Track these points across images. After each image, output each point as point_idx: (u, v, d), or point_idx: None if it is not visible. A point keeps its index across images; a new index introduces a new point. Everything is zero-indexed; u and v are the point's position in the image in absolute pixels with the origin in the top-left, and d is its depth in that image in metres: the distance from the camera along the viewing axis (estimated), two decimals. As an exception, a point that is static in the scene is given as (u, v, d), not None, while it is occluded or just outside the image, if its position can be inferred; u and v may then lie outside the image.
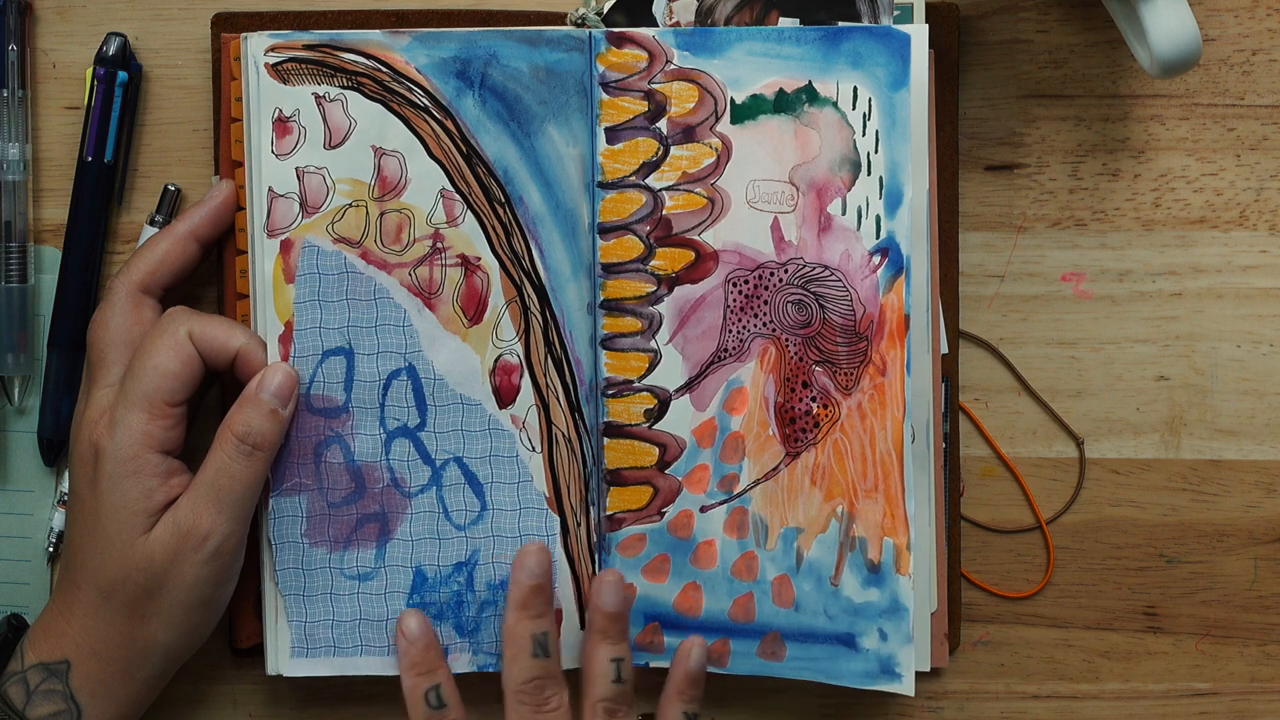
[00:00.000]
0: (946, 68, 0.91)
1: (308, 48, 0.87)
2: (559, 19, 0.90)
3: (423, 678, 0.87)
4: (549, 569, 0.87)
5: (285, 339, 0.87)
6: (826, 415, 0.89)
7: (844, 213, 0.88)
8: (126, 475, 0.84)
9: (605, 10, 0.89)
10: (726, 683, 0.92)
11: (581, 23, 0.89)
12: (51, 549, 0.92)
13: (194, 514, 0.84)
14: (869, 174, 0.88)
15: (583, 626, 0.89)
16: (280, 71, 0.86)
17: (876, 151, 0.88)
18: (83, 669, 0.85)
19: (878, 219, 0.88)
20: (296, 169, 0.87)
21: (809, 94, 0.88)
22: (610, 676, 0.87)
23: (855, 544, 0.89)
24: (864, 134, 0.88)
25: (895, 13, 0.89)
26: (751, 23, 0.89)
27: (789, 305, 0.88)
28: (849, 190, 0.88)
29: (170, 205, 0.91)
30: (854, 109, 0.88)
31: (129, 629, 0.84)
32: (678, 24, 0.89)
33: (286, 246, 0.87)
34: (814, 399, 0.89)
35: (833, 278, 0.88)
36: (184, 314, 0.86)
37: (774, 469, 0.89)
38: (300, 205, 0.87)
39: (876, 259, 0.88)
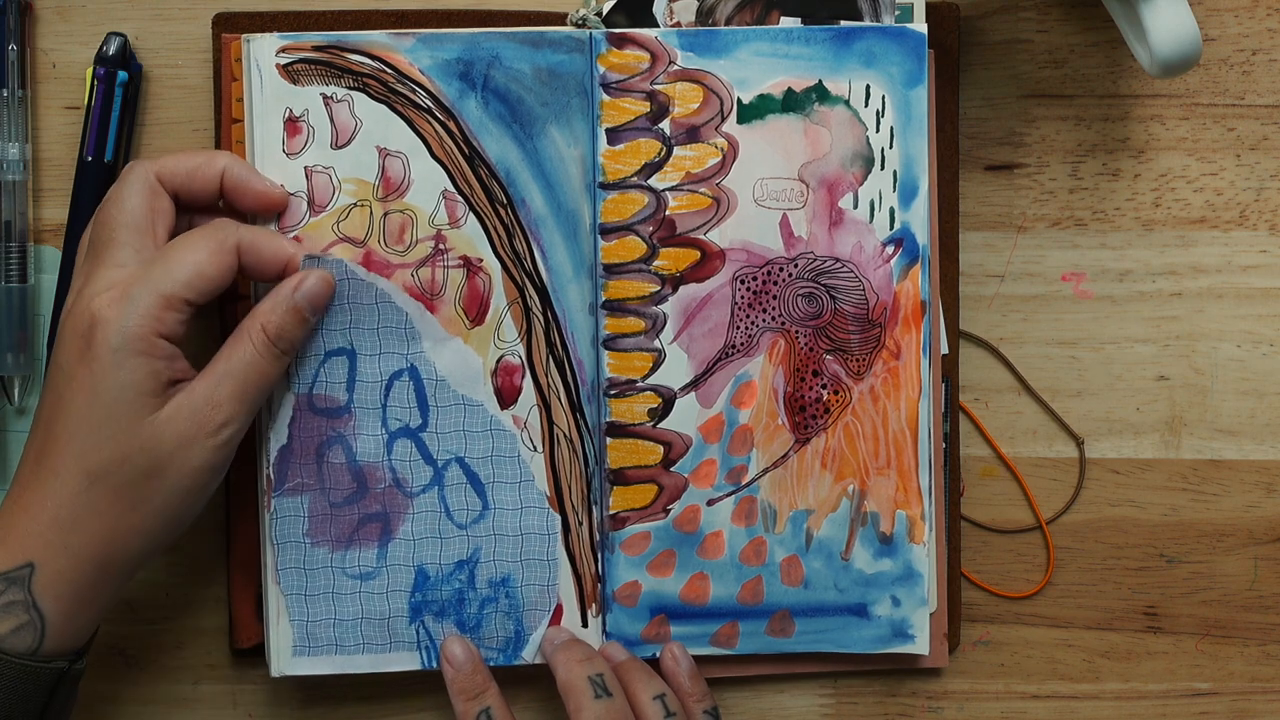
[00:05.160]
0: (946, 68, 0.91)
1: (317, 48, 0.87)
2: (559, 19, 0.90)
3: (472, 702, 0.87)
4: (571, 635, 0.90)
5: (287, 339, 0.87)
6: (837, 401, 0.89)
7: (855, 206, 0.88)
8: (134, 354, 0.81)
9: (605, 11, 0.89)
10: (727, 685, 0.92)
11: (582, 24, 0.89)
12: (52, 549, 0.92)
13: (212, 399, 0.82)
14: (882, 168, 0.88)
15: (584, 624, 0.89)
16: (290, 72, 0.86)
17: (891, 147, 0.88)
18: (50, 569, 0.81)
19: (891, 211, 0.88)
20: (305, 168, 0.87)
21: (819, 93, 0.88)
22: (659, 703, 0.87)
23: (866, 519, 0.89)
24: (877, 130, 0.88)
25: (896, 12, 0.89)
26: (752, 23, 0.89)
27: (799, 299, 0.88)
28: (861, 185, 0.88)
29: (171, 205, 0.91)
30: (866, 106, 0.88)
31: (114, 517, 0.81)
32: (678, 24, 0.89)
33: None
34: (824, 386, 0.89)
35: (844, 269, 0.88)
36: (234, 225, 0.84)
37: (783, 456, 0.89)
38: (308, 204, 0.87)
39: (890, 249, 0.88)
